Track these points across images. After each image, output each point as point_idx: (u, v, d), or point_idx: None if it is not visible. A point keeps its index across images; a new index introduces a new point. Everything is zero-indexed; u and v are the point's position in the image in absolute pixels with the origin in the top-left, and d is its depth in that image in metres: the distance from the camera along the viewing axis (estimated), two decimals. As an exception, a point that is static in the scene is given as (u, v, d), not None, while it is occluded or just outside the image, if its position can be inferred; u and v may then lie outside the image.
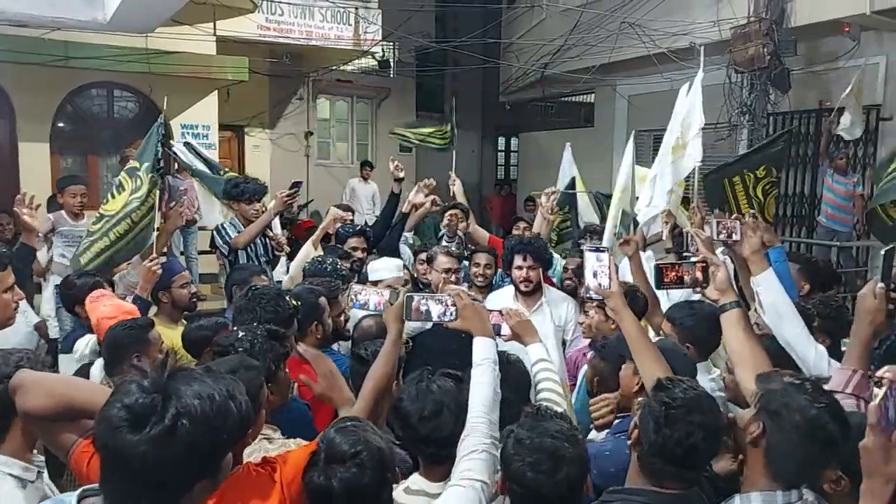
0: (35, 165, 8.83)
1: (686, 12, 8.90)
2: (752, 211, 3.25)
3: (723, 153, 8.67)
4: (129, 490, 1.26)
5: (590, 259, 2.30)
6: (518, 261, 3.88)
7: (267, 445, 2.02)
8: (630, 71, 10.18)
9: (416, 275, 4.50)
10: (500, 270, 4.42)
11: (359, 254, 4.51)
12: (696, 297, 3.50)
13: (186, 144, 5.88)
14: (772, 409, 1.72)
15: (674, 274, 2.39)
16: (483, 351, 2.12)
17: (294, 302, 2.87)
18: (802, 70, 8.20)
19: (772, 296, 2.40)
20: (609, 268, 2.27)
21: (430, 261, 4.23)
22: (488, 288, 4.20)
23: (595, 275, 2.29)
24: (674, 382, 1.83)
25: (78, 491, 1.37)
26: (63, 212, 5.54)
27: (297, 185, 4.76)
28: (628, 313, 2.27)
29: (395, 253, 4.77)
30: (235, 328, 2.27)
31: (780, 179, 4.79)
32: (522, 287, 3.88)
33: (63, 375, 1.88)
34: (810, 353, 2.34)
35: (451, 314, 2.20)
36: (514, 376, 2.29)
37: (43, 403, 1.64)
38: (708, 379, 2.78)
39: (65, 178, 6.16)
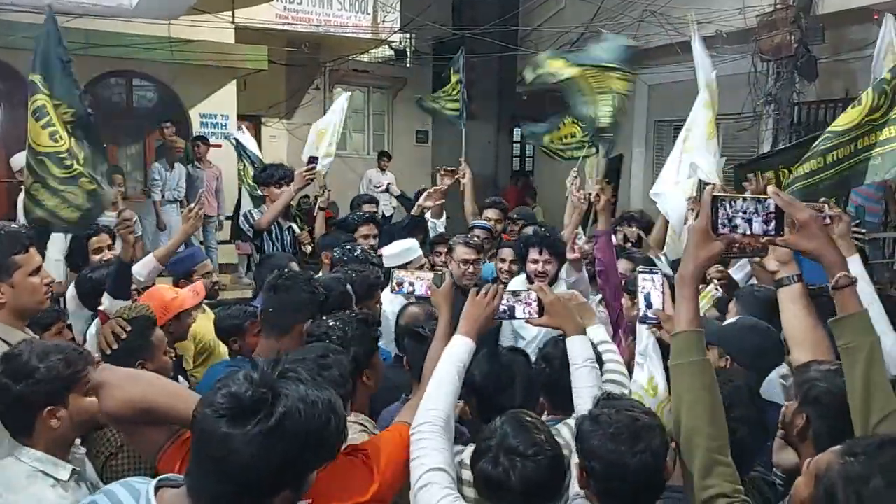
0: (55, 154, 8.83)
1: (710, 0, 8.78)
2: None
3: (745, 143, 8.58)
4: (214, 484, 1.21)
5: (645, 282, 2.21)
6: (534, 254, 3.82)
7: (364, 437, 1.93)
8: (652, 60, 10.04)
9: (432, 263, 4.45)
10: (490, 264, 4.39)
11: (370, 241, 4.46)
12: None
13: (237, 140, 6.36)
14: (812, 397, 1.68)
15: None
16: (581, 351, 2.07)
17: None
18: (829, 59, 8.04)
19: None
20: (663, 291, 2.19)
21: (450, 251, 4.23)
22: None
23: (649, 301, 2.20)
24: None
25: (154, 480, 1.33)
26: None
27: (313, 160, 4.83)
28: None
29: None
30: (325, 317, 2.23)
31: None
32: (538, 281, 3.75)
33: (152, 376, 1.75)
34: (887, 341, 2.20)
35: (535, 312, 2.15)
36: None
37: (120, 409, 1.56)
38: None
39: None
